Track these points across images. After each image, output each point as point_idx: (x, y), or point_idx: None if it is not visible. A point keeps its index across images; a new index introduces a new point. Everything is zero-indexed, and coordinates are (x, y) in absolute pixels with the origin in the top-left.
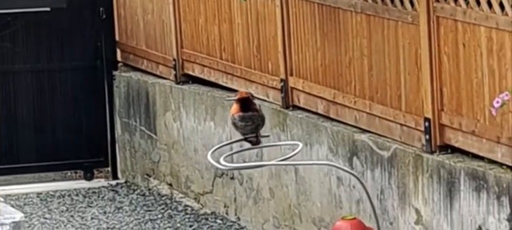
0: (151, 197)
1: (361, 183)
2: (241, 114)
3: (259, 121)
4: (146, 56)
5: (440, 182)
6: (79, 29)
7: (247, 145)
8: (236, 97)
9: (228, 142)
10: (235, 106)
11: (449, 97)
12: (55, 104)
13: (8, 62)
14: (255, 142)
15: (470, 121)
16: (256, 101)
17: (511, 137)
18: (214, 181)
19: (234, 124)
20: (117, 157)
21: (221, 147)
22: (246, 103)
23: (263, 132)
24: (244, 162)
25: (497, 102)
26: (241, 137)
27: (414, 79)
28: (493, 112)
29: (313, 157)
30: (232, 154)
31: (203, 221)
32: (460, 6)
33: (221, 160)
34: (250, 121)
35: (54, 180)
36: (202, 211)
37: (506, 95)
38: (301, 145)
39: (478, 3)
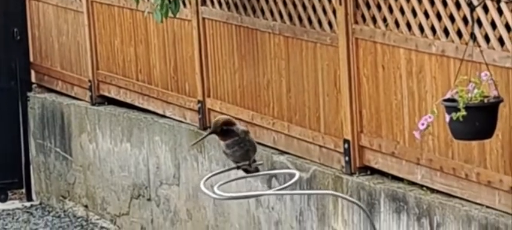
0: (67, 219)
1: (367, 214)
2: (223, 141)
3: (248, 145)
4: (61, 77)
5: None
6: None
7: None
8: (211, 130)
9: (220, 170)
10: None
11: (368, 119)
12: None
13: None
14: (248, 170)
15: (389, 143)
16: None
17: (431, 159)
18: (130, 202)
19: (225, 153)
20: (31, 179)
21: (214, 175)
22: (225, 131)
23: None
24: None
25: (423, 124)
26: (233, 166)
27: (333, 101)
28: (417, 135)
29: (231, 178)
30: (227, 182)
31: None
32: (379, 28)
33: (215, 189)
34: (237, 146)
35: None
36: None
37: (430, 117)
38: (298, 174)
39: (397, 25)
